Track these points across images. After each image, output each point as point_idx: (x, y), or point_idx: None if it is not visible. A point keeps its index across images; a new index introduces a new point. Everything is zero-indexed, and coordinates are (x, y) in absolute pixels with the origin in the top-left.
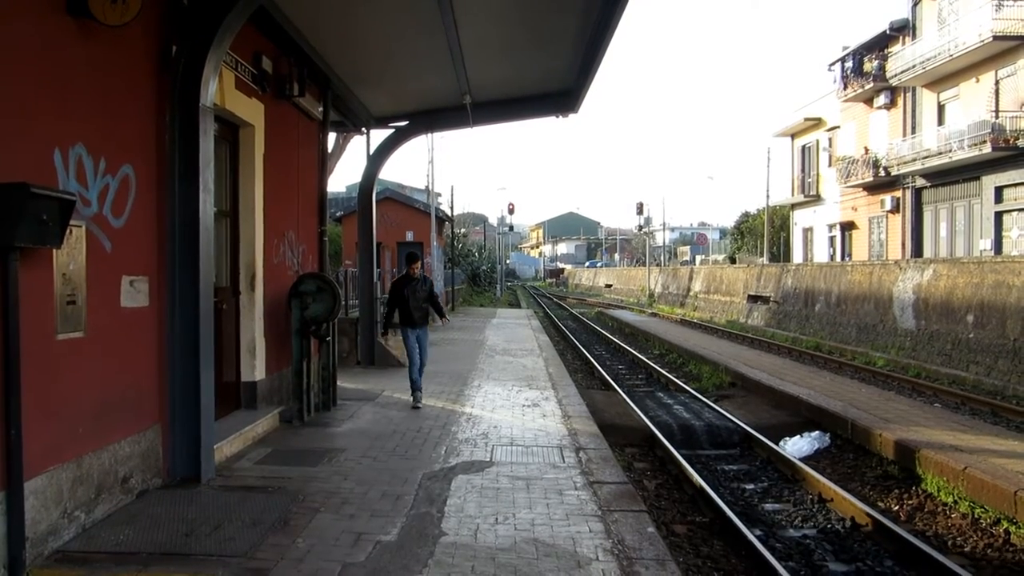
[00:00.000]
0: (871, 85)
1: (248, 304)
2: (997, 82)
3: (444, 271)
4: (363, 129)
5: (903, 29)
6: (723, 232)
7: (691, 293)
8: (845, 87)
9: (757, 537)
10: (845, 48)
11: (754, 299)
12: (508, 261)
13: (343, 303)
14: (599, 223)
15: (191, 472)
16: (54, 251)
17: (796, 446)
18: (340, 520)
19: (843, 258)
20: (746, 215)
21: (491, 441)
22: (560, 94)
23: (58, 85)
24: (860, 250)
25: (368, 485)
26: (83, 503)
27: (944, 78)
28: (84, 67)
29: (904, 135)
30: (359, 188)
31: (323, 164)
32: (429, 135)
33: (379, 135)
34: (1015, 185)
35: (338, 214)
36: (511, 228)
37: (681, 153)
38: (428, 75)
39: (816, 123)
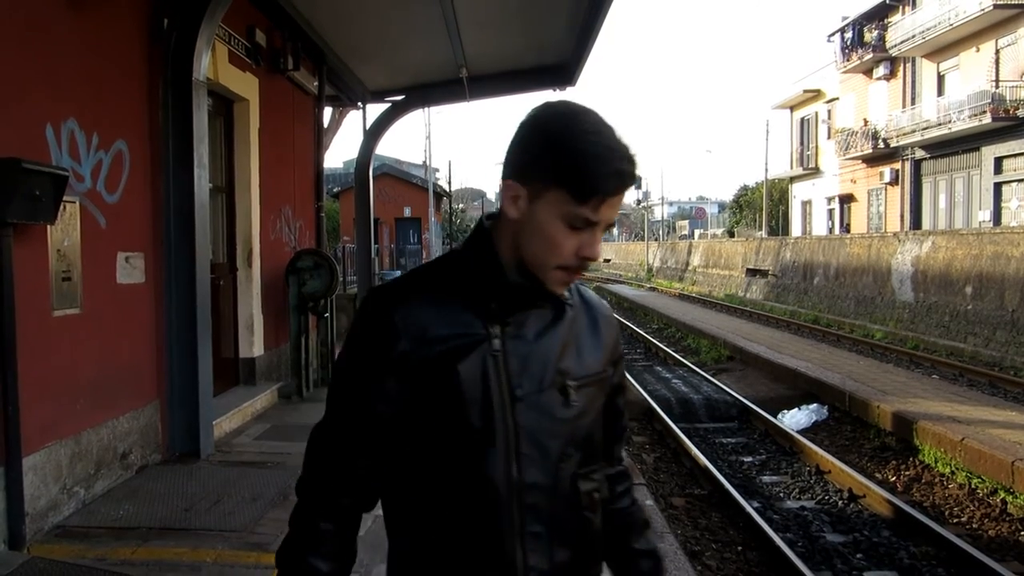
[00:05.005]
0: (870, 56)
1: (245, 280)
2: (997, 51)
3: (442, 246)
4: (359, 104)
5: None
6: (722, 206)
7: (690, 267)
8: (844, 58)
9: (755, 509)
10: (844, 18)
11: (753, 273)
12: None
13: (341, 279)
14: None
15: (190, 448)
16: (48, 227)
17: (794, 418)
18: None
19: (842, 231)
20: (745, 188)
21: None
22: (557, 67)
23: (48, 59)
24: (859, 223)
25: None
26: (82, 479)
27: (944, 48)
28: (75, 40)
29: (903, 106)
30: (356, 163)
31: (319, 139)
32: (426, 110)
33: (375, 110)
34: (1015, 156)
35: (335, 190)
36: None
37: (679, 126)
38: (424, 48)
39: (815, 95)
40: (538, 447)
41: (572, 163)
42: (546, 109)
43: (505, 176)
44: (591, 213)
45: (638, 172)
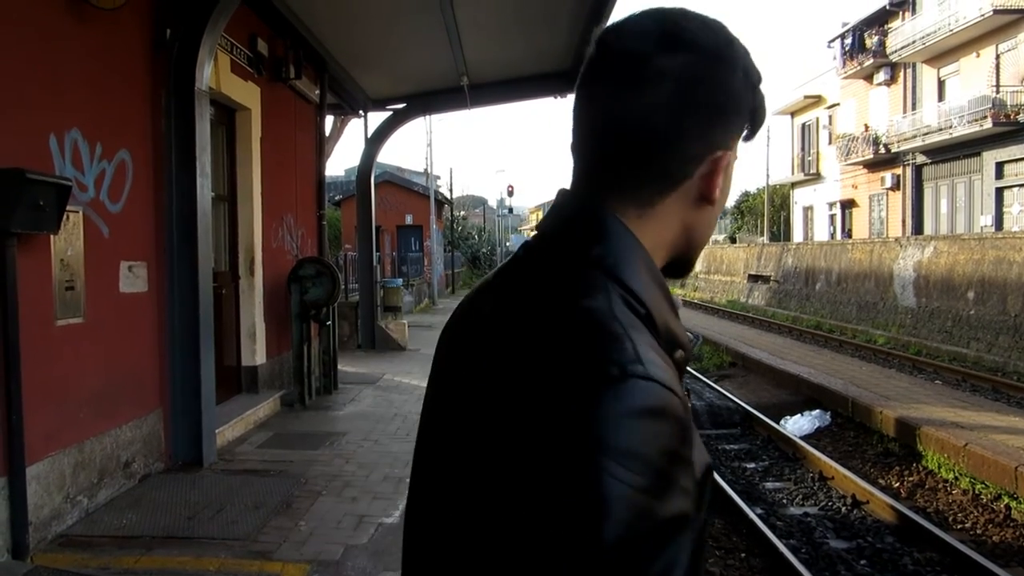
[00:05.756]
0: (871, 61)
1: (248, 289)
2: (998, 56)
3: (444, 254)
4: (360, 112)
5: (903, 4)
6: (723, 212)
7: (691, 273)
8: (844, 64)
9: (758, 516)
10: (845, 24)
11: (755, 279)
12: (508, 243)
13: (343, 287)
14: None
15: (193, 456)
16: (51, 237)
17: (797, 425)
18: (342, 503)
19: (843, 236)
20: (746, 194)
21: None
22: (558, 74)
23: (53, 70)
24: (860, 228)
25: (370, 468)
26: (85, 488)
27: (944, 53)
28: (78, 51)
29: (904, 112)
30: (357, 171)
31: (321, 147)
32: (427, 117)
33: (377, 118)
34: (1016, 160)
35: (337, 198)
36: (511, 210)
37: None
38: (425, 56)
39: (816, 101)
40: None
41: (762, 97)
42: (697, 22)
43: (693, 152)
44: None
45: None
